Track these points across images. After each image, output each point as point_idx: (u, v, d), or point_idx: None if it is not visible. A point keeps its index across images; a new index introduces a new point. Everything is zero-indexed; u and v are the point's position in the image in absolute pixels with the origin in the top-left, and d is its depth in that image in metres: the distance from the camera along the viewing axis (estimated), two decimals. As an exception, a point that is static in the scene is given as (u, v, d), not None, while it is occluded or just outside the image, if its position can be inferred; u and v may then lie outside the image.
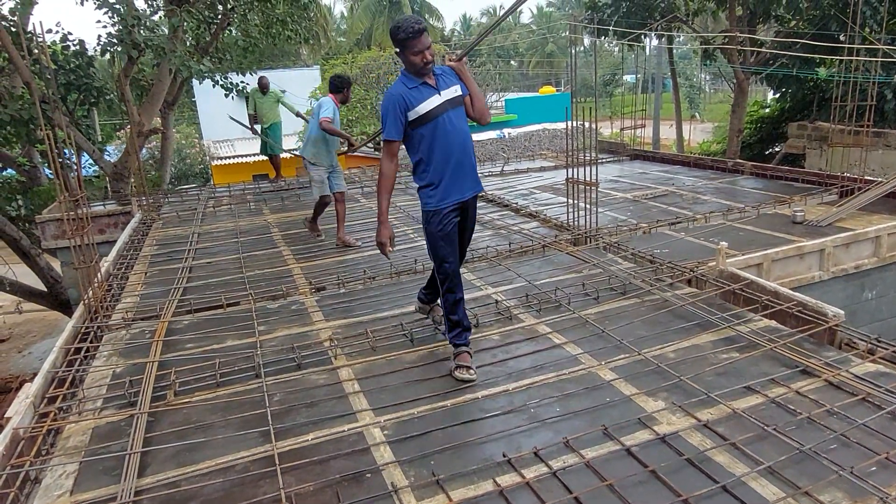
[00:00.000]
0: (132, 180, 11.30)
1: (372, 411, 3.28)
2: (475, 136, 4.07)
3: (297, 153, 10.29)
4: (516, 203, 8.18)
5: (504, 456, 2.78)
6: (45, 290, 11.32)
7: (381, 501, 2.59)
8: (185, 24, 10.84)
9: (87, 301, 4.87)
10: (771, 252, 5.75)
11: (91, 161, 13.05)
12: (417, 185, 3.61)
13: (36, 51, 6.36)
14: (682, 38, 24.29)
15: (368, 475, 2.76)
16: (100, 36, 9.71)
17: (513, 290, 4.94)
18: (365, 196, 9.59)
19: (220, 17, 12.37)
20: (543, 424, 3.05)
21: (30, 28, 10.00)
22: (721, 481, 2.51)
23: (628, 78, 36.31)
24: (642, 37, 15.96)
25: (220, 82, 11.29)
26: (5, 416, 3.27)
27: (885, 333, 4.59)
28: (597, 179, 6.15)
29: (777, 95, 17.33)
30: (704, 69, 33.73)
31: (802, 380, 3.30)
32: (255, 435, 3.13)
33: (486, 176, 10.54)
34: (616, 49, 39.48)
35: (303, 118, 10.61)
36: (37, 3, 10.76)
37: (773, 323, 4.03)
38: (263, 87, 10.18)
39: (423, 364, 3.79)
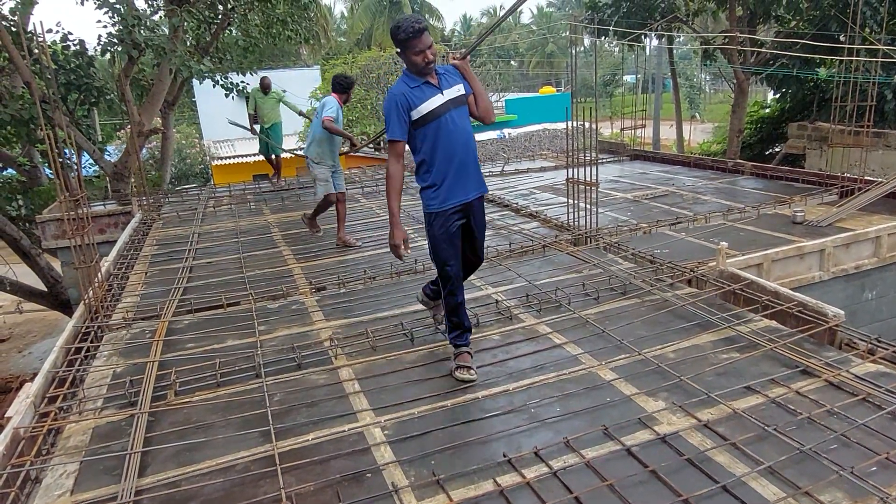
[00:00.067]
0: (132, 180, 11.30)
1: (372, 411, 3.28)
2: (475, 137, 4.01)
3: (299, 153, 10.30)
4: (516, 203, 8.18)
5: (504, 456, 2.78)
6: (46, 289, 11.32)
7: (381, 501, 2.59)
8: (186, 23, 10.85)
9: (87, 301, 4.87)
10: (771, 252, 5.76)
11: (91, 161, 13.07)
12: (419, 186, 3.55)
13: (36, 50, 6.36)
14: (682, 38, 24.29)
15: (369, 475, 2.76)
16: (100, 36, 9.72)
17: (513, 290, 4.94)
18: (365, 196, 9.59)
19: (220, 17, 12.38)
20: (544, 424, 3.06)
21: (30, 28, 10.00)
22: (721, 481, 2.51)
23: (628, 78, 36.32)
24: (642, 37, 15.97)
25: (221, 82, 11.28)
26: (6, 415, 3.27)
27: (886, 334, 4.58)
28: (597, 180, 6.15)
29: (777, 96, 17.34)
30: (704, 69, 33.72)
31: (803, 380, 3.30)
32: (256, 435, 3.13)
33: (487, 176, 10.54)
34: (616, 49, 39.47)
35: (305, 117, 10.62)
36: (37, 2, 10.77)
37: (774, 323, 4.03)
38: (265, 87, 10.18)
39: (424, 364, 3.79)
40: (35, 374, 3.91)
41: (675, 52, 22.90)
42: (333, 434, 3.09)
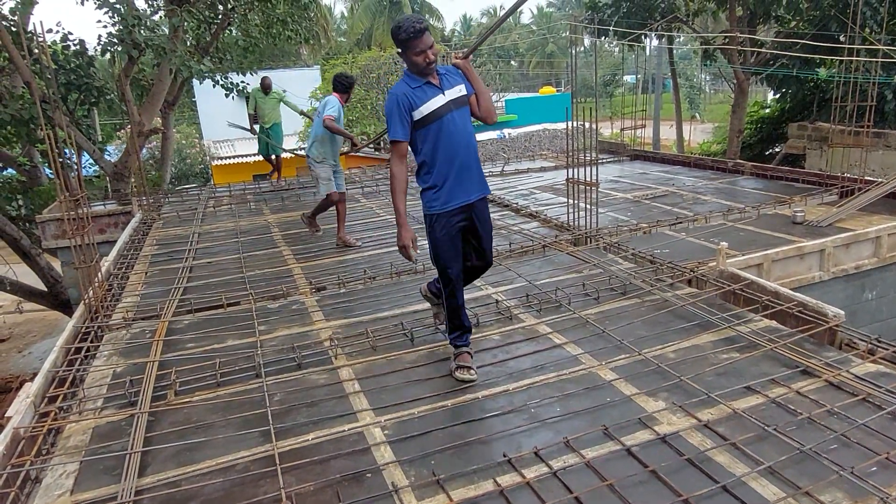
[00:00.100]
0: (132, 180, 11.30)
1: (372, 411, 3.28)
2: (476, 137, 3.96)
3: (300, 153, 10.29)
4: (517, 203, 8.18)
5: (504, 456, 2.78)
6: (46, 289, 11.32)
7: (381, 501, 2.59)
8: (186, 23, 10.85)
9: (87, 301, 4.87)
10: (771, 252, 5.76)
11: (91, 161, 13.07)
12: (420, 188, 3.50)
13: (36, 50, 6.36)
14: (682, 38, 24.28)
15: (369, 475, 2.76)
16: (100, 36, 9.72)
17: (513, 290, 4.94)
18: (365, 196, 9.59)
19: (220, 16, 12.38)
20: (544, 424, 3.05)
21: (30, 28, 10.00)
22: (721, 481, 2.51)
23: (628, 78, 36.32)
24: (642, 37, 15.97)
25: (221, 82, 11.29)
26: (6, 415, 3.27)
27: (886, 334, 4.59)
28: (597, 180, 6.15)
29: (777, 96, 17.34)
30: (705, 69, 33.74)
31: (803, 380, 3.30)
32: (256, 435, 3.13)
33: (487, 176, 10.42)
34: (616, 49, 39.47)
35: (307, 116, 10.62)
36: (37, 2, 10.76)
37: (774, 323, 4.03)
38: (266, 87, 10.18)
39: (424, 364, 3.79)
40: (35, 374, 3.91)
41: (675, 52, 22.90)
42: (333, 434, 3.09)
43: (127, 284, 5.83)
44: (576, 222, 6.35)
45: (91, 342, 4.47)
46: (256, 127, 10.68)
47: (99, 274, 5.38)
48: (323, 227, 7.13)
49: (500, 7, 50.22)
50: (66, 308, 10.86)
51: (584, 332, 4.08)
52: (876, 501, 2.37)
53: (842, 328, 3.76)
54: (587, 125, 6.36)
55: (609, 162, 11.66)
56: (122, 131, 21.68)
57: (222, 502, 2.66)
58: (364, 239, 6.82)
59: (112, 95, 11.46)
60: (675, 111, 22.22)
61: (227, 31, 12.97)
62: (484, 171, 3.74)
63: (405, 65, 3.41)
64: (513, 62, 53.73)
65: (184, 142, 23.87)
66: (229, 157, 21.54)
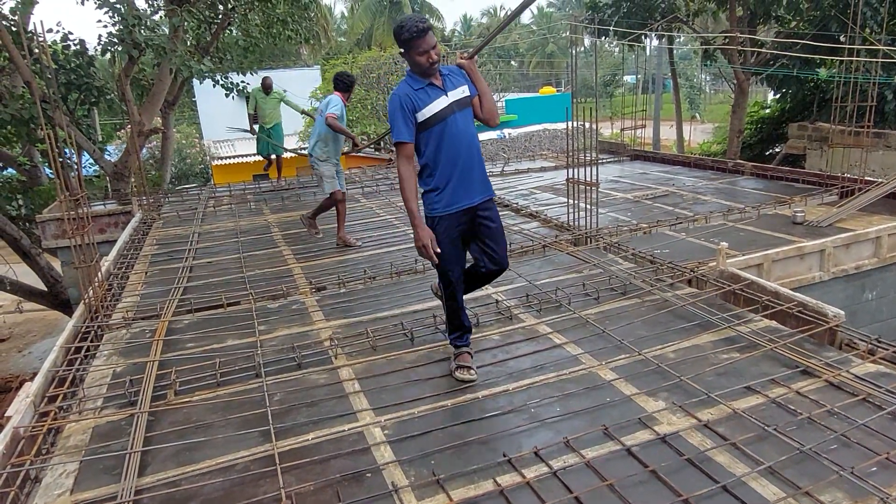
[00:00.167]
0: (132, 180, 11.31)
1: (372, 411, 3.28)
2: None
3: (302, 152, 10.28)
4: (517, 203, 8.18)
5: (504, 456, 2.78)
6: (46, 289, 11.32)
7: (381, 501, 2.59)
8: (186, 23, 10.85)
9: (87, 300, 4.88)
10: (771, 252, 5.75)
11: (91, 161, 13.06)
12: (422, 190, 3.45)
13: (36, 50, 6.35)
14: (682, 38, 24.29)
15: (369, 475, 2.76)
16: (100, 35, 9.72)
17: (513, 290, 4.94)
18: (365, 196, 9.59)
19: (220, 16, 12.38)
20: (544, 424, 3.05)
21: (30, 27, 9.99)
22: (721, 481, 2.51)
23: (628, 78, 36.34)
24: (643, 37, 15.97)
25: (221, 82, 11.29)
26: (6, 415, 3.27)
27: (886, 334, 4.58)
28: (597, 180, 6.15)
29: (777, 96, 17.34)
30: (705, 70, 33.73)
31: (803, 380, 3.30)
32: (256, 434, 3.12)
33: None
34: (616, 49, 39.49)
35: (308, 115, 10.61)
36: (37, 2, 10.76)
37: (774, 323, 4.03)
38: (267, 87, 10.17)
39: (424, 364, 3.79)
40: (35, 374, 3.91)
41: (675, 52, 22.91)
42: (333, 434, 3.09)
43: (127, 284, 5.83)
44: (576, 222, 6.35)
45: (91, 342, 4.47)
46: (256, 127, 10.67)
47: (99, 274, 5.38)
48: (323, 227, 7.13)
49: (500, 7, 50.28)
50: (66, 308, 10.86)
51: (584, 332, 4.08)
52: (876, 501, 2.36)
53: (842, 328, 3.76)
54: (587, 125, 6.36)
55: (609, 162, 11.66)
56: (122, 131, 21.69)
57: (222, 502, 2.66)
58: (364, 239, 6.82)
59: (112, 95, 11.46)
60: (676, 111, 22.23)
61: (228, 31, 12.97)
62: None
63: (407, 65, 3.38)
64: (513, 62, 53.72)
65: (184, 142, 23.88)
66: (229, 157, 21.55)
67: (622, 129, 12.61)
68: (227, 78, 11.53)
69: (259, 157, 11.43)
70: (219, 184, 14.73)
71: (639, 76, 26.09)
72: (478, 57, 3.66)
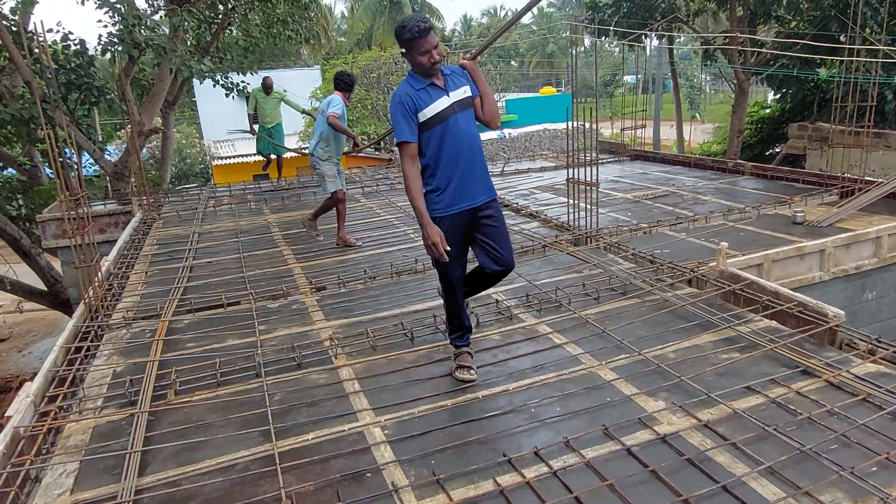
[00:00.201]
0: (133, 180, 11.31)
1: (372, 411, 3.28)
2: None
3: (305, 152, 10.28)
4: (517, 203, 8.18)
5: (504, 455, 2.78)
6: (46, 289, 11.32)
7: (381, 501, 2.59)
8: (186, 23, 10.85)
9: (87, 300, 4.87)
10: (771, 252, 5.75)
11: (92, 160, 13.06)
12: (423, 190, 3.39)
13: (37, 50, 6.35)
14: (682, 38, 24.29)
15: (369, 475, 2.76)
16: (100, 35, 9.72)
17: (513, 290, 4.94)
18: (365, 196, 9.59)
19: (220, 16, 12.38)
20: (544, 424, 3.05)
21: (31, 27, 10.00)
22: (721, 481, 2.51)
23: (629, 78, 36.34)
24: (643, 37, 15.97)
25: (221, 82, 11.29)
26: (6, 414, 3.27)
27: (886, 334, 4.58)
28: (597, 180, 6.15)
29: (777, 96, 17.34)
30: (705, 70, 33.73)
31: (803, 380, 3.30)
32: (256, 434, 3.12)
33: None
34: (616, 49, 39.50)
35: (308, 115, 10.61)
36: (38, 2, 10.78)
37: (774, 323, 4.02)
38: (267, 87, 10.16)
39: (424, 364, 3.79)
40: (35, 374, 3.91)
41: (675, 52, 22.90)
42: (333, 434, 3.09)
43: (127, 284, 5.83)
44: (576, 222, 6.35)
45: (91, 342, 4.47)
46: (256, 127, 10.67)
47: (99, 273, 5.38)
48: (323, 227, 7.12)
49: (501, 7, 50.27)
50: (66, 308, 10.86)
51: (585, 332, 4.08)
52: (876, 501, 2.36)
53: (842, 328, 3.76)
54: (587, 125, 6.36)
55: (609, 162, 11.66)
56: (123, 131, 21.69)
57: (222, 502, 2.66)
58: (364, 239, 6.82)
59: (112, 95, 11.46)
60: (676, 111, 22.23)
61: (228, 31, 12.97)
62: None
63: (408, 65, 3.35)
64: (513, 62, 53.70)
65: (184, 141, 23.88)
66: (229, 157, 21.55)
67: (622, 129, 12.61)
68: (227, 78, 11.53)
69: (259, 157, 11.42)
70: (219, 184, 14.73)
71: (639, 76, 26.09)
72: (479, 57, 3.65)
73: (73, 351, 4.26)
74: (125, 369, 3.96)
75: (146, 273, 6.17)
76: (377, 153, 17.60)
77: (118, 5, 9.48)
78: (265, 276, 5.76)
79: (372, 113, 19.14)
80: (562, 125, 19.75)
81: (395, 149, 15.91)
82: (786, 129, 15.09)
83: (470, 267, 3.66)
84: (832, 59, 13.13)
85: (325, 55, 31.70)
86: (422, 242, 3.45)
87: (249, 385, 3.65)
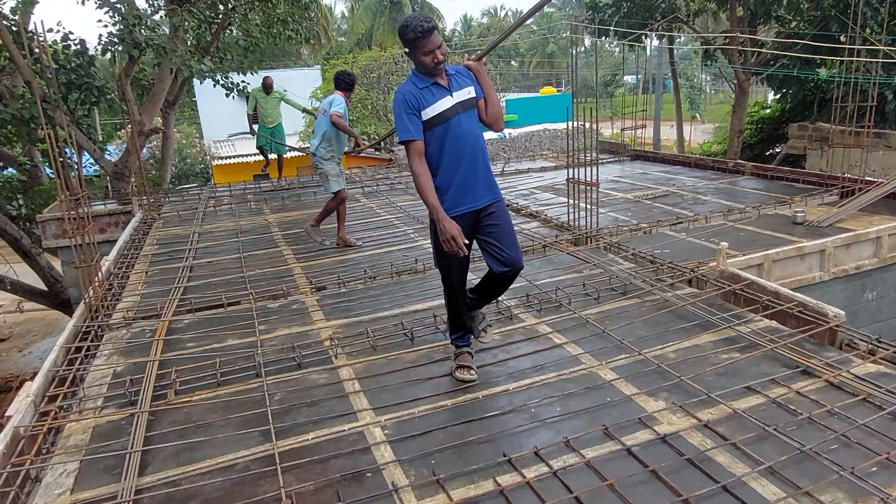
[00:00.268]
0: (133, 180, 11.31)
1: (372, 411, 3.28)
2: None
3: (306, 151, 10.28)
4: (517, 203, 8.18)
5: (504, 455, 2.78)
6: (46, 289, 11.32)
7: (381, 501, 2.59)
8: (186, 23, 10.85)
9: (87, 300, 4.87)
10: (771, 252, 5.75)
11: (92, 160, 13.06)
12: None
13: (37, 50, 6.35)
14: (682, 38, 24.29)
15: (369, 474, 2.76)
16: (101, 35, 9.73)
17: (513, 290, 4.90)
18: (365, 196, 9.59)
19: (221, 16, 12.38)
20: (544, 424, 3.05)
21: (31, 27, 10.00)
22: (721, 481, 2.51)
23: (629, 78, 36.32)
24: (643, 37, 15.98)
25: (221, 82, 11.29)
26: (6, 414, 3.27)
27: (886, 334, 4.58)
28: (597, 180, 6.15)
29: (778, 96, 17.35)
30: (705, 70, 33.75)
31: (803, 380, 3.30)
32: (256, 434, 3.13)
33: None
34: (617, 49, 39.50)
35: (309, 114, 10.61)
36: (38, 2, 10.79)
37: (774, 323, 4.02)
38: (268, 86, 10.16)
39: (424, 363, 3.79)
40: (35, 374, 3.91)
41: (675, 52, 22.90)
42: (333, 433, 3.09)
43: (127, 284, 5.83)
44: (576, 222, 6.35)
45: (91, 341, 4.47)
46: (256, 127, 10.66)
47: (99, 273, 5.38)
48: (323, 227, 7.11)
49: (501, 7, 50.24)
50: (67, 307, 10.86)
51: (585, 332, 4.08)
52: (876, 501, 2.36)
53: (842, 328, 3.76)
54: (587, 125, 6.36)
55: (609, 162, 11.66)
56: (123, 131, 21.70)
57: (222, 502, 2.66)
58: (364, 239, 6.82)
59: (112, 95, 11.46)
60: (676, 111, 22.23)
61: (228, 31, 12.98)
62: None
63: (412, 64, 3.30)
64: (513, 62, 53.70)
65: (184, 141, 23.87)
66: (229, 157, 21.52)
67: (622, 129, 12.62)
68: (227, 78, 11.53)
69: (259, 157, 11.42)
70: (219, 184, 14.71)
71: (639, 76, 26.09)
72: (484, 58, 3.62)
73: (74, 351, 4.26)
74: (125, 369, 3.96)
75: (146, 273, 6.17)
76: (377, 153, 17.60)
77: (118, 5, 9.48)
78: (265, 276, 5.76)
79: (372, 113, 19.14)
80: (562, 125, 19.76)
81: (395, 149, 15.90)
82: (786, 130, 15.09)
83: (481, 275, 3.58)
84: (832, 60, 13.13)
85: (325, 55, 31.70)
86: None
87: (249, 385, 3.65)
